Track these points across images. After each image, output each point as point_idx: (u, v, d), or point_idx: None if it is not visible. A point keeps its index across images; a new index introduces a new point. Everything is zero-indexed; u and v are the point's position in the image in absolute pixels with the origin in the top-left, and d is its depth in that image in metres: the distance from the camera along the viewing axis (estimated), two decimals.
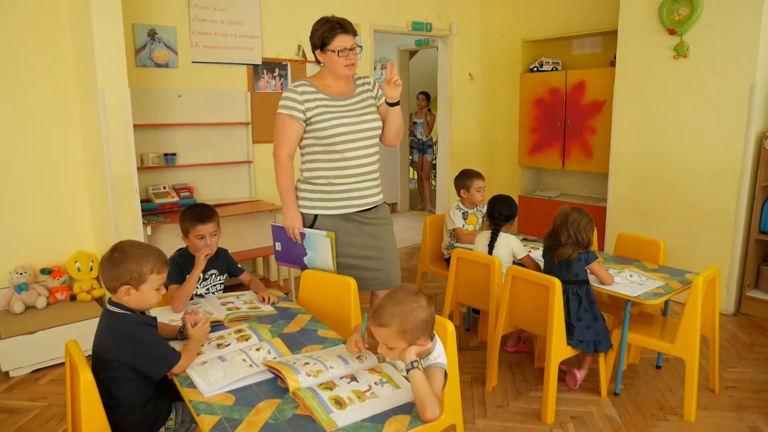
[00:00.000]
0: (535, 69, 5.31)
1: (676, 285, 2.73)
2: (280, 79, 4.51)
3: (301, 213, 2.62)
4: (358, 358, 1.81)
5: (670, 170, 4.12)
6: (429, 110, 7.34)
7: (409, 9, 5.19)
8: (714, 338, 2.83)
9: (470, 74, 5.77)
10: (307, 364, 1.72)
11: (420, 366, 1.58)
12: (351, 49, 2.48)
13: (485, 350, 3.22)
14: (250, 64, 4.34)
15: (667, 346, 2.66)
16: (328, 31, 2.46)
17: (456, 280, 3.07)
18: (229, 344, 1.94)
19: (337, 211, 2.59)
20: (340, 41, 2.46)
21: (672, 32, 3.98)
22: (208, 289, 2.51)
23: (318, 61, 2.57)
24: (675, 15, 3.96)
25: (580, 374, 2.87)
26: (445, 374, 1.69)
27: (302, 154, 2.64)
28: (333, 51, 2.46)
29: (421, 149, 7.43)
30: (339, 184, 2.57)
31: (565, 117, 5.02)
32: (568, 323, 2.60)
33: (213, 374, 1.73)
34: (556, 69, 5.22)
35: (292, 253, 2.68)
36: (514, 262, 3.07)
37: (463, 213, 3.62)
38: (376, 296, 2.78)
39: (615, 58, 4.46)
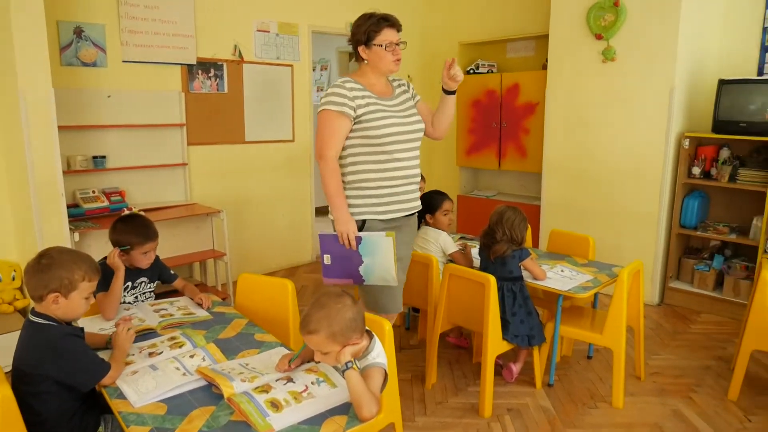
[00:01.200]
0: (471, 71, 5.43)
1: (604, 278, 2.86)
2: (215, 80, 4.43)
3: None
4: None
5: (598, 169, 4.31)
6: None
7: (347, 10, 5.20)
8: (639, 328, 2.98)
9: (409, 76, 5.83)
10: (241, 373, 1.70)
11: (355, 366, 1.59)
12: (397, 44, 2.39)
13: (425, 348, 3.26)
14: (184, 64, 4.24)
15: (596, 337, 2.78)
16: (374, 25, 2.36)
17: None
18: (161, 352, 1.89)
19: (386, 215, 2.45)
20: (387, 35, 2.37)
21: (599, 37, 4.16)
22: (137, 297, 2.43)
23: (359, 59, 2.44)
24: (601, 21, 4.14)
25: (516, 368, 2.96)
26: (385, 374, 1.71)
27: (343, 156, 2.45)
28: (380, 45, 2.36)
29: None
30: (388, 187, 2.43)
31: (501, 118, 5.16)
32: (503, 319, 2.68)
33: (144, 384, 1.68)
34: (492, 71, 5.35)
35: (345, 265, 2.41)
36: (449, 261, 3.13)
37: None
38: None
39: (547, 61, 4.62)
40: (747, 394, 2.89)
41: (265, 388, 1.61)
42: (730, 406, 2.79)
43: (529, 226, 3.00)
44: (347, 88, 2.37)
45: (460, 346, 3.38)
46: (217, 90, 4.44)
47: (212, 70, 4.40)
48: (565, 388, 2.94)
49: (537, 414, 2.71)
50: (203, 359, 1.83)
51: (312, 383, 1.65)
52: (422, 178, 3.72)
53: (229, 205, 4.48)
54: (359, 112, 2.37)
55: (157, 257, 2.53)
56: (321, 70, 7.64)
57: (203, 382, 1.70)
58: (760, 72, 4.03)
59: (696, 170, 3.99)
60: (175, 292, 2.57)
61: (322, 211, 7.07)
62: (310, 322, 1.61)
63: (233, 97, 4.55)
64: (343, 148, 2.44)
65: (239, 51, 4.52)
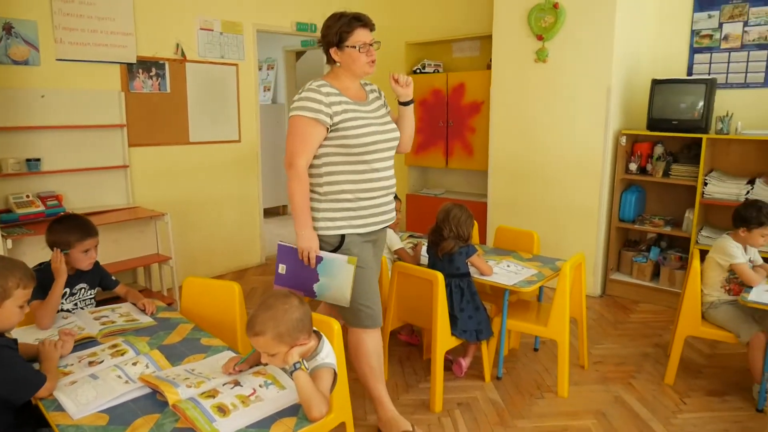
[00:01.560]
0: (418, 71, 5.48)
1: (548, 272, 2.95)
2: (157, 79, 4.31)
3: (323, 236, 2.30)
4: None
5: (542, 166, 4.43)
6: None
7: (293, 9, 5.15)
8: (582, 319, 3.09)
9: None
10: (187, 379, 1.66)
11: (303, 366, 1.58)
12: (371, 45, 2.27)
13: None
14: (124, 63, 4.10)
15: (541, 330, 2.87)
16: (345, 25, 2.23)
17: None
18: (102, 361, 1.82)
19: (365, 228, 2.34)
20: (360, 36, 2.24)
21: (540, 38, 4.28)
22: (76, 305, 2.34)
23: (331, 61, 2.31)
24: (542, 22, 4.26)
25: (465, 362, 3.01)
26: (334, 374, 1.72)
27: (317, 166, 2.30)
28: (353, 47, 2.24)
29: None
30: (367, 199, 2.31)
31: (447, 117, 5.23)
32: (451, 315, 2.72)
33: (84, 394, 1.62)
34: (438, 71, 5.43)
35: (299, 279, 2.34)
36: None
37: None
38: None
39: (491, 61, 4.71)
40: (682, 377, 3.03)
41: (211, 393, 1.58)
42: (666, 390, 2.92)
43: (475, 222, 3.05)
44: (323, 93, 2.22)
45: (411, 343, 3.42)
46: (159, 90, 4.32)
47: (153, 70, 4.28)
48: (513, 380, 3.01)
49: (486, 407, 2.76)
50: (147, 366, 1.78)
51: (260, 386, 1.63)
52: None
53: (174, 207, 4.37)
54: (336, 119, 2.23)
55: (97, 262, 2.44)
56: (267, 69, 7.55)
57: (147, 390, 1.66)
58: (690, 72, 4.24)
59: (633, 166, 4.16)
60: (118, 299, 2.49)
61: (270, 212, 7.01)
62: (256, 324, 1.60)
63: (176, 97, 4.44)
64: (317, 156, 2.29)
65: (182, 50, 4.41)
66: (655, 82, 3.98)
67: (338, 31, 2.24)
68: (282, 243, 2.38)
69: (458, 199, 5.06)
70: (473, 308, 2.78)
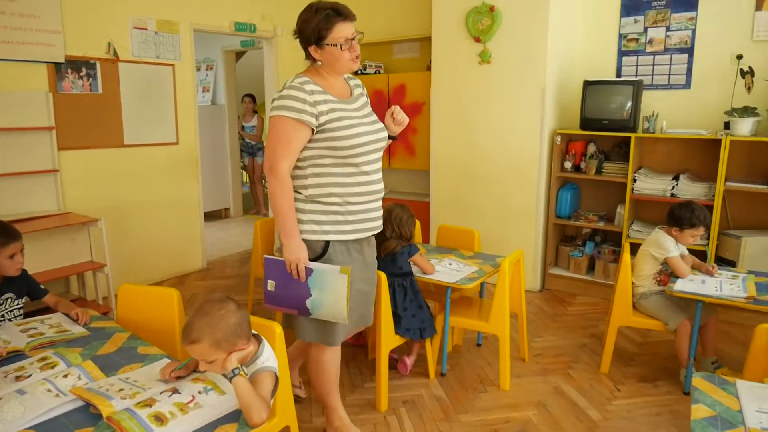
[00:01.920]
0: (359, 72, 5.49)
1: (489, 269, 3.02)
2: (88, 80, 4.14)
3: (307, 240, 2.12)
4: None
5: (481, 165, 4.53)
6: (255, 112, 7.25)
7: (231, 9, 5.06)
8: (522, 313, 3.18)
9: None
10: (121, 390, 1.61)
11: (242, 372, 1.56)
12: (353, 39, 2.10)
13: None
14: (51, 63, 3.92)
15: (483, 325, 2.93)
16: (324, 21, 2.05)
17: None
18: (30, 375, 1.74)
19: (352, 235, 2.19)
20: (341, 31, 2.06)
21: (477, 40, 4.37)
22: (3, 316, 2.22)
23: (311, 59, 2.15)
24: (479, 25, 4.35)
25: (409, 360, 3.04)
26: (276, 378, 1.70)
27: (302, 167, 2.15)
28: (334, 45, 2.07)
29: (251, 152, 7.30)
30: (355, 203, 2.16)
31: None
32: (395, 314, 2.75)
33: (10, 411, 1.54)
34: (380, 72, 5.46)
35: (290, 295, 2.15)
36: None
37: None
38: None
39: (431, 62, 4.78)
40: (616, 366, 3.17)
41: (148, 402, 1.54)
42: (602, 379, 3.05)
43: (418, 222, 3.09)
44: (307, 91, 2.05)
45: (357, 344, 3.42)
46: (91, 90, 4.15)
47: (84, 69, 4.11)
48: (456, 376, 3.07)
49: (431, 403, 2.80)
50: (79, 378, 1.72)
51: (199, 392, 1.60)
52: None
53: (109, 213, 4.21)
54: (322, 119, 2.07)
55: (24, 271, 2.33)
56: (206, 69, 7.39)
57: (80, 403, 1.60)
58: (618, 74, 4.43)
59: (568, 164, 4.31)
60: (48, 310, 2.38)
61: (212, 216, 6.86)
62: (192, 331, 1.56)
63: (109, 98, 4.27)
64: (301, 159, 2.13)
65: (114, 49, 4.25)
66: (587, 84, 4.14)
67: (316, 27, 2.06)
68: (268, 256, 2.17)
69: (401, 199, 5.10)
70: (416, 307, 2.82)
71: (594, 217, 4.32)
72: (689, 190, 3.89)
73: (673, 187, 3.94)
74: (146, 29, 4.45)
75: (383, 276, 2.60)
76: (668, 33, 4.21)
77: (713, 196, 3.75)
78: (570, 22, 4.38)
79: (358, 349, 3.38)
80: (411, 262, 2.84)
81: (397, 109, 2.31)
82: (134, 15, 4.36)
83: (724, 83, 4.00)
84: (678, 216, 2.97)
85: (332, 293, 2.08)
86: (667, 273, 3.00)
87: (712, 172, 3.80)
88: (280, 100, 2.07)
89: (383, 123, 2.31)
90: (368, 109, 2.30)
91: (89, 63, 4.12)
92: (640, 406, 2.78)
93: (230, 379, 1.55)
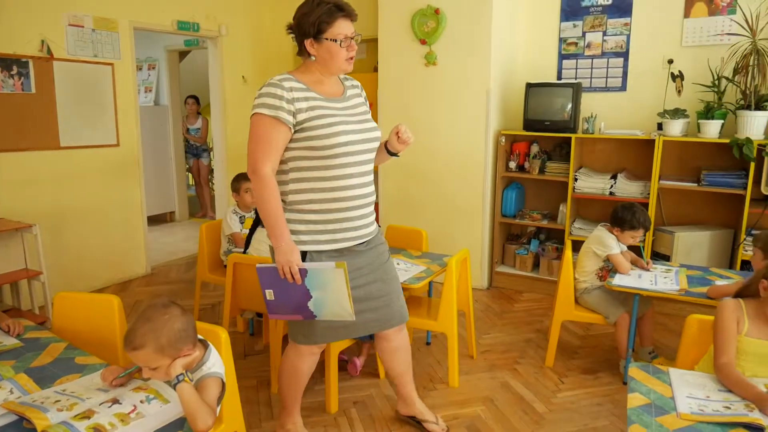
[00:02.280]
0: None
1: (436, 268, 3.06)
2: (20, 79, 3.95)
3: None
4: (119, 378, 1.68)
5: (428, 166, 4.58)
6: (200, 113, 7.10)
7: (174, 7, 4.94)
8: (469, 311, 3.23)
9: (243, 77, 5.70)
10: (58, 401, 1.55)
11: (187, 378, 1.53)
12: (352, 38, 2.04)
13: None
14: None
15: (431, 324, 2.97)
16: (326, 14, 1.98)
17: (235, 285, 3.02)
18: None
19: (332, 245, 2.09)
20: (342, 28, 2.00)
21: (423, 42, 4.42)
22: None
23: (305, 54, 2.07)
24: (425, 27, 4.40)
25: (359, 361, 3.05)
26: (222, 383, 1.67)
27: (284, 171, 2.07)
28: (333, 40, 1.99)
29: (195, 154, 7.15)
30: (335, 211, 2.06)
31: None
32: None
33: None
34: None
35: (290, 300, 2.05)
36: None
37: (240, 217, 3.58)
38: (382, 338, 2.36)
39: (378, 64, 4.80)
40: (560, 359, 3.27)
41: (86, 414, 1.48)
42: (547, 372, 3.14)
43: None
44: (285, 88, 1.98)
45: None
46: (23, 90, 3.97)
47: (15, 68, 3.92)
48: None
49: (382, 403, 2.82)
50: (11, 392, 1.64)
51: (141, 402, 1.56)
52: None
53: (45, 218, 4.03)
54: (300, 117, 1.99)
55: None
56: (149, 69, 7.18)
57: (13, 417, 1.52)
58: (559, 77, 4.57)
59: (512, 164, 4.42)
60: None
61: (157, 220, 6.67)
62: (135, 337, 1.52)
63: (43, 98, 4.09)
64: (284, 161, 2.05)
65: (48, 47, 4.08)
66: (529, 86, 4.26)
67: (317, 20, 1.99)
68: (260, 265, 2.06)
69: None
70: None
71: (538, 216, 4.44)
72: (626, 188, 4.06)
73: (611, 186, 4.10)
74: (83, 26, 4.29)
75: None
76: (605, 38, 4.38)
77: (648, 194, 3.93)
78: (513, 26, 4.49)
79: None
80: None
81: (402, 128, 2.19)
82: (69, 11, 4.19)
83: (656, 86, 4.19)
84: (620, 218, 3.09)
85: (332, 291, 1.99)
86: (608, 269, 3.12)
87: (647, 170, 3.98)
88: (258, 98, 2.00)
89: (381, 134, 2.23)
90: (362, 109, 2.19)
91: (21, 61, 3.94)
92: (583, 397, 2.88)
93: (174, 386, 1.52)
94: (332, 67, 2.06)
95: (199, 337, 1.71)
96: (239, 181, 3.67)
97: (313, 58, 2.05)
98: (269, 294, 2.08)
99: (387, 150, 2.28)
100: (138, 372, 1.65)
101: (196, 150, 7.12)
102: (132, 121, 4.72)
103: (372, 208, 2.21)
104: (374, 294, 2.21)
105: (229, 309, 3.09)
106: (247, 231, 3.54)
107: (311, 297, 2.03)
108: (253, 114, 2.01)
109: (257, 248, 3.08)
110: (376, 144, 2.19)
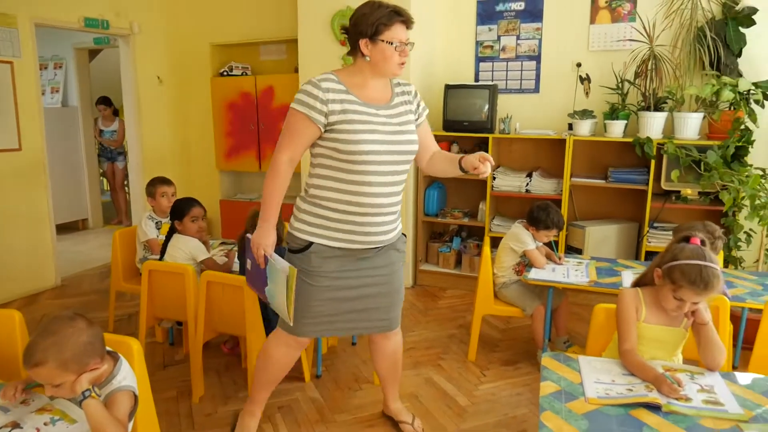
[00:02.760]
0: (225, 73, 5.34)
1: None
2: None
3: (294, 236, 2.14)
4: (22, 402, 1.58)
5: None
6: (117, 115, 6.77)
7: (80, 3, 4.68)
8: None
9: (158, 77, 5.50)
10: None
11: (94, 393, 1.46)
12: (406, 44, 2.06)
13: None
14: None
15: None
16: (386, 17, 2.00)
17: (151, 293, 2.91)
18: None
19: (337, 243, 2.11)
20: (398, 32, 2.03)
21: (343, 44, 4.42)
22: None
23: (358, 53, 2.08)
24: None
25: None
26: (134, 397, 1.61)
27: (312, 164, 2.13)
28: (389, 43, 2.01)
29: (110, 158, 6.81)
30: (350, 213, 2.08)
31: (258, 120, 5.18)
32: (266, 318, 2.70)
33: None
34: (246, 74, 5.34)
35: (257, 278, 2.18)
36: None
37: (156, 222, 3.45)
38: (372, 340, 2.46)
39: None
40: (482, 353, 3.37)
41: None
42: (470, 366, 3.23)
43: (286, 224, 3.06)
44: (322, 88, 2.01)
45: (232, 353, 3.32)
46: None
47: None
48: (332, 377, 3.09)
49: (307, 406, 2.80)
50: None
51: (45, 424, 1.47)
52: (168, 183, 3.56)
53: None
54: (331, 119, 2.01)
55: None
56: (55, 68, 6.77)
57: None
58: (477, 78, 4.71)
59: None
60: None
61: (68, 228, 6.29)
62: (35, 353, 1.43)
63: None
64: (314, 156, 2.12)
65: None
66: (448, 87, 4.36)
67: (376, 22, 2.01)
68: (249, 235, 2.20)
69: None
70: None
71: (459, 214, 4.56)
72: (541, 186, 4.24)
73: (527, 184, 4.27)
74: None
75: (242, 280, 2.55)
76: (518, 41, 4.55)
77: (561, 191, 4.12)
78: (431, 29, 4.57)
79: (233, 359, 3.28)
80: None
81: (488, 164, 2.04)
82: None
83: (566, 88, 4.40)
84: (536, 218, 3.22)
85: (278, 288, 2.06)
86: (525, 263, 3.24)
87: (560, 169, 4.17)
88: (298, 93, 2.06)
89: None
90: (404, 118, 2.17)
91: None
92: (504, 388, 2.98)
93: (80, 403, 1.44)
94: (383, 69, 2.08)
95: (109, 349, 1.64)
96: (155, 185, 3.54)
97: (368, 58, 2.07)
98: (249, 263, 2.25)
99: (460, 166, 2.16)
100: (39, 388, 1.56)
101: (110, 153, 6.78)
102: (35, 123, 4.43)
103: (392, 216, 2.18)
104: (367, 297, 2.24)
105: (146, 318, 2.97)
106: (164, 237, 3.42)
107: (267, 284, 2.13)
108: (291, 107, 2.07)
109: (173, 255, 2.98)
110: (409, 155, 2.17)
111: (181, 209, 3.04)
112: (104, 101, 6.63)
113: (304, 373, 3.01)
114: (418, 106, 2.28)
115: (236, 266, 2.99)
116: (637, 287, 2.01)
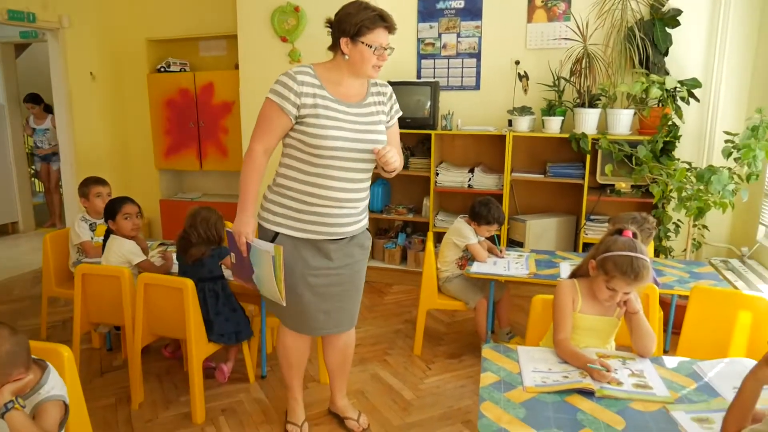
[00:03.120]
0: (162, 69, 5.18)
1: None
2: None
3: (261, 226, 2.20)
4: None
5: None
6: (51, 112, 6.45)
7: None
8: None
9: (92, 73, 5.27)
10: None
11: (18, 405, 1.39)
12: (386, 49, 2.10)
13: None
14: None
15: None
16: (369, 20, 2.04)
17: (85, 298, 2.79)
18: None
19: (301, 234, 2.16)
20: (379, 36, 2.07)
21: (284, 40, 4.38)
22: None
23: (337, 50, 2.12)
24: (285, 24, 4.36)
25: (227, 367, 2.95)
26: (65, 406, 1.54)
27: (282, 154, 2.20)
28: (369, 46, 2.05)
29: (44, 158, 6.48)
30: (313, 204, 2.13)
31: (198, 118, 5.05)
32: (207, 320, 2.64)
33: None
34: (185, 70, 5.20)
35: (243, 269, 2.22)
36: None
37: (90, 224, 3.32)
38: (330, 342, 2.49)
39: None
40: (428, 347, 3.41)
41: None
42: (415, 360, 3.26)
43: (227, 223, 3.01)
44: (298, 81, 2.07)
45: (173, 357, 3.23)
46: None
47: None
48: (277, 377, 3.04)
49: (252, 407, 2.76)
50: None
51: None
52: (102, 183, 3.43)
53: None
54: (302, 111, 2.08)
55: None
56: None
57: None
58: (419, 75, 4.75)
59: None
60: None
61: None
62: None
63: None
64: (285, 146, 2.19)
65: None
66: (390, 84, 4.34)
67: (359, 23, 2.05)
68: (229, 229, 2.22)
69: (216, 201, 4.93)
70: (230, 310, 2.74)
71: (404, 210, 4.59)
72: (483, 181, 4.32)
73: (470, 179, 4.34)
74: None
75: (189, 283, 2.49)
76: (459, 39, 4.62)
77: (503, 185, 4.21)
78: None
79: (174, 362, 3.20)
80: (222, 266, 2.76)
81: (382, 151, 2.11)
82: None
83: (506, 85, 4.50)
84: (477, 213, 3.27)
85: (265, 271, 2.11)
86: (467, 258, 3.30)
87: (500, 164, 4.26)
88: (274, 84, 2.11)
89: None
90: (375, 118, 2.22)
91: None
92: (448, 381, 3.03)
93: (2, 415, 1.37)
94: (359, 70, 2.13)
95: (35, 358, 1.56)
96: (88, 185, 3.40)
97: (346, 57, 2.12)
98: (232, 257, 2.28)
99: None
100: None
101: (44, 153, 6.46)
102: None
103: (356, 210, 2.23)
104: (333, 296, 2.28)
105: (80, 324, 2.84)
106: (100, 239, 3.30)
107: (253, 271, 2.19)
108: (266, 96, 2.13)
109: (107, 258, 2.87)
110: (373, 156, 2.18)
111: (113, 208, 2.94)
112: (32, 99, 6.29)
113: (248, 375, 2.96)
114: (392, 108, 2.34)
115: (176, 267, 2.91)
116: (573, 278, 2.08)
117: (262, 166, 2.15)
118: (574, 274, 2.13)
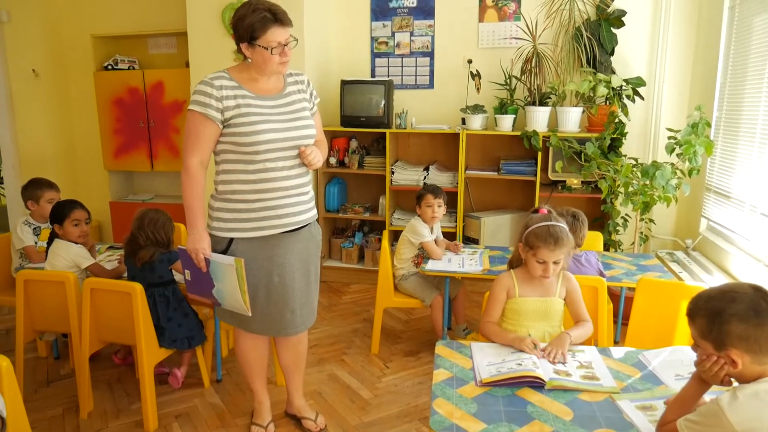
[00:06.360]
0: (110, 67, 5.02)
1: None
2: None
3: (213, 235, 2.17)
4: None
5: None
6: None
7: None
8: None
9: (34, 70, 5.07)
10: None
11: None
12: (286, 44, 2.08)
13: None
14: None
15: None
16: (259, 23, 2.02)
17: (28, 305, 2.69)
18: None
19: (257, 233, 2.18)
20: (274, 35, 2.04)
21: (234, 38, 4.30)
22: None
23: (243, 55, 2.12)
24: None
25: (180, 372, 2.90)
26: (2, 420, 1.48)
27: (216, 163, 2.20)
28: (264, 47, 2.04)
29: None
30: (258, 200, 2.15)
31: (148, 117, 4.92)
32: (158, 326, 2.59)
33: None
34: (133, 68, 5.05)
35: (201, 285, 2.19)
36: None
37: (35, 228, 3.20)
38: (283, 341, 2.48)
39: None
40: (385, 345, 3.43)
41: None
42: (373, 359, 3.27)
43: (181, 226, 2.95)
44: (216, 86, 2.08)
45: (124, 363, 3.14)
46: None
47: None
48: (233, 380, 3.01)
49: (206, 412, 2.71)
50: None
51: None
52: (53, 187, 3.31)
53: None
54: (227, 114, 2.09)
55: None
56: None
57: None
58: (373, 74, 4.76)
59: (333, 160, 4.50)
60: None
61: None
62: None
63: None
64: (216, 153, 2.19)
65: None
66: (344, 83, 4.36)
67: (250, 26, 2.03)
68: (182, 247, 2.19)
69: (169, 203, 4.81)
70: (182, 315, 2.69)
71: (360, 209, 4.59)
72: (438, 179, 4.36)
73: (425, 177, 4.37)
74: None
75: (138, 288, 2.42)
76: (412, 38, 4.64)
77: (457, 183, 4.26)
78: (325, 25, 4.55)
79: (125, 369, 3.11)
80: (172, 270, 2.70)
81: (306, 151, 2.19)
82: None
83: (459, 84, 4.55)
84: (417, 195, 3.32)
85: (228, 284, 2.11)
86: (423, 255, 3.32)
87: (455, 162, 4.31)
88: (193, 95, 2.11)
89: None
90: (297, 106, 2.24)
91: None
92: (405, 378, 3.05)
93: None
94: (265, 70, 2.13)
95: None
96: (42, 189, 3.23)
97: (249, 60, 2.13)
98: (187, 274, 2.24)
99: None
100: None
101: None
102: None
103: (305, 197, 2.27)
104: (291, 294, 2.28)
105: (23, 332, 2.74)
106: (44, 244, 3.18)
107: (214, 286, 2.17)
108: (188, 110, 2.11)
109: (52, 262, 2.76)
110: (307, 140, 2.23)
111: (61, 212, 2.82)
112: None
113: (202, 379, 2.91)
114: (311, 95, 2.36)
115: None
116: (510, 269, 2.15)
117: (202, 179, 2.15)
118: (510, 265, 2.20)
